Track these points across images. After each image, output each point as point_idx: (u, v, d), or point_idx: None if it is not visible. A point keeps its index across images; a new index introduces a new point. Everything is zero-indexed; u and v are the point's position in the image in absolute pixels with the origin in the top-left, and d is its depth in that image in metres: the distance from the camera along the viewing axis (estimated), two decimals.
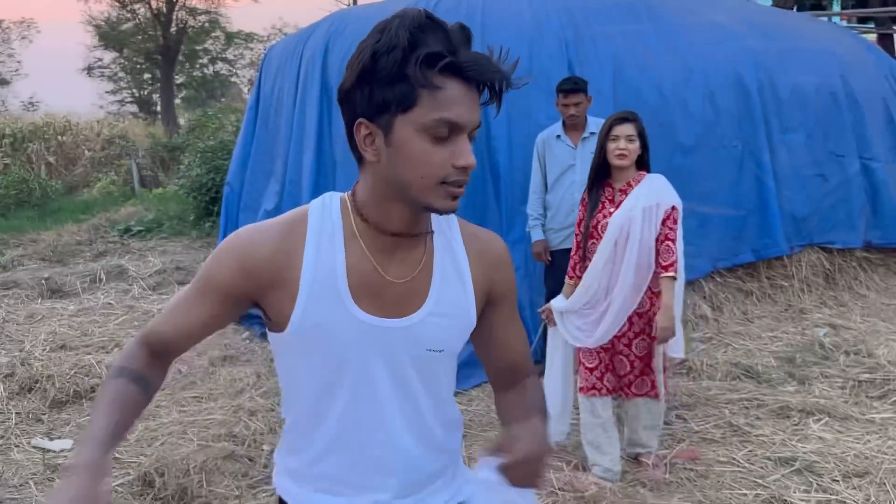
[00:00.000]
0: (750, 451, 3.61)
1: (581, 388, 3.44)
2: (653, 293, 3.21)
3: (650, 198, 3.15)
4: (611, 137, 3.19)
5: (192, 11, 24.83)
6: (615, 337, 3.27)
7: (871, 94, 6.32)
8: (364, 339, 1.22)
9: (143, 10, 24.81)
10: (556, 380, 3.49)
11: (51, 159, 15.90)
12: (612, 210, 3.21)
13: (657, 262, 3.15)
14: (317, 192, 5.98)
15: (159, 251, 8.01)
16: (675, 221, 3.19)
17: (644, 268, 3.15)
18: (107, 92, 31.17)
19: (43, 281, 6.97)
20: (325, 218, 1.24)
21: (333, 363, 1.23)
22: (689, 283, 5.47)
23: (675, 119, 5.41)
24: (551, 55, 5.30)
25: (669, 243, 3.16)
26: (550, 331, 3.55)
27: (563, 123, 4.48)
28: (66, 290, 6.92)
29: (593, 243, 3.28)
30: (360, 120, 1.14)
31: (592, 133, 4.43)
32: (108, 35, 27.22)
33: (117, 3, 24.58)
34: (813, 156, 5.92)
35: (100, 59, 30.04)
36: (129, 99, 31.58)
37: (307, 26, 6.60)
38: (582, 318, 3.30)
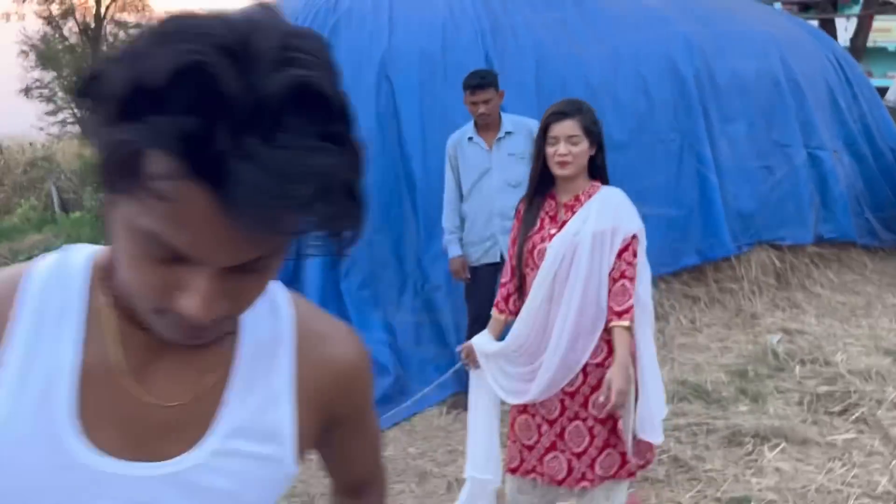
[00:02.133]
0: (699, 490, 3.12)
1: (510, 468, 2.61)
2: (610, 337, 2.38)
3: (603, 219, 2.33)
4: (548, 140, 2.39)
5: (122, 25, 23.88)
6: (565, 393, 2.43)
7: (814, 79, 5.94)
8: (92, 497, 0.72)
9: (70, 26, 23.79)
10: (479, 430, 2.69)
11: None
12: (552, 231, 2.41)
13: (609, 307, 2.35)
14: None
15: None
16: (634, 254, 2.37)
17: (592, 309, 2.35)
18: (46, 113, 30.14)
19: None
20: (57, 287, 0.75)
21: None
22: None
23: (606, 112, 4.92)
24: (466, 47, 4.79)
25: (626, 282, 2.33)
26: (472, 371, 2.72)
27: (475, 124, 3.97)
28: None
29: (530, 271, 2.48)
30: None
31: (509, 132, 3.92)
32: (44, 54, 26.21)
33: (44, 21, 23.51)
34: (756, 147, 5.50)
35: (38, 80, 29.03)
36: (71, 119, 30.52)
37: None
38: (515, 365, 2.49)
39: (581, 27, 5.14)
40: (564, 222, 2.40)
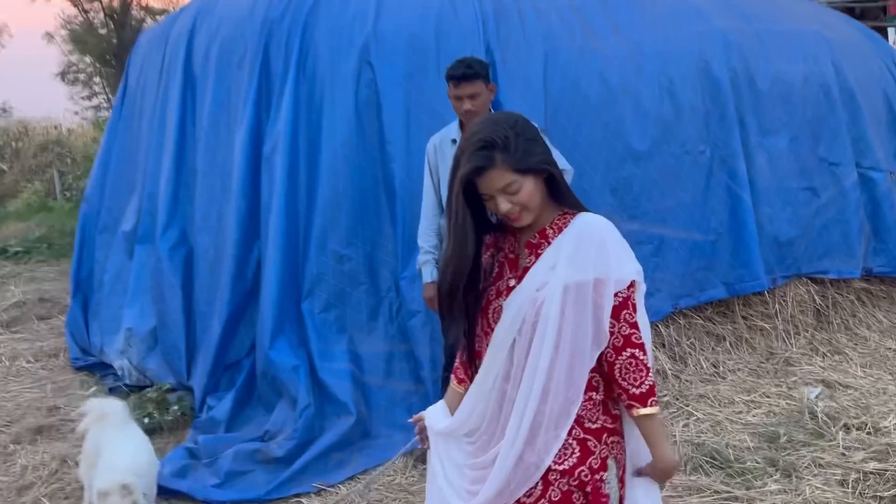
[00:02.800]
0: None
1: None
2: (586, 435, 1.67)
3: (580, 265, 1.63)
4: (480, 195, 1.69)
5: (149, 11, 23.57)
6: None
7: (871, 88, 5.16)
8: None
9: (96, 11, 23.52)
10: None
11: None
12: (511, 283, 1.72)
13: (621, 391, 1.66)
14: (176, 208, 4.75)
15: (27, 277, 6.76)
16: (635, 308, 1.68)
17: (562, 393, 1.64)
18: (82, 97, 30.06)
19: None
20: None
21: None
22: None
23: (625, 117, 4.23)
24: (465, 34, 4.11)
25: (636, 353, 1.64)
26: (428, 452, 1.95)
27: (461, 123, 3.30)
28: None
29: (485, 335, 1.75)
30: None
31: None
32: (80, 38, 26.04)
33: (73, 5, 23.29)
34: (800, 164, 4.74)
35: (75, 64, 28.91)
36: (106, 105, 30.39)
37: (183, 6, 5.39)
38: (465, 454, 1.80)
39: (600, 16, 4.44)
40: (526, 269, 1.69)
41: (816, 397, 3.96)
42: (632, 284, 1.66)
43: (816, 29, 5.09)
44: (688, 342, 4.36)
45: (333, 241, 3.91)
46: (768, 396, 3.98)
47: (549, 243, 1.68)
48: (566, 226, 1.69)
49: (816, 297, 4.78)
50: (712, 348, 4.41)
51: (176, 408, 4.10)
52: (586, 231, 1.66)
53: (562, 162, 3.48)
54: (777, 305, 4.63)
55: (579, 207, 1.74)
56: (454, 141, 3.29)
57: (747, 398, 3.97)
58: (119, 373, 4.67)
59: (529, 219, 1.67)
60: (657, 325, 4.27)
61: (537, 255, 1.69)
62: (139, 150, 5.03)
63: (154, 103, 4.89)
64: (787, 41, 4.85)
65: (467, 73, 3.16)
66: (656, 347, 4.24)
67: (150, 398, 4.13)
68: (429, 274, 3.33)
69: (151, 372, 4.48)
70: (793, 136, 4.71)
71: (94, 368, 4.95)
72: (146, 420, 4.01)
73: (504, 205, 1.63)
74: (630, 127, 4.24)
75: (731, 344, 4.45)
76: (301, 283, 3.92)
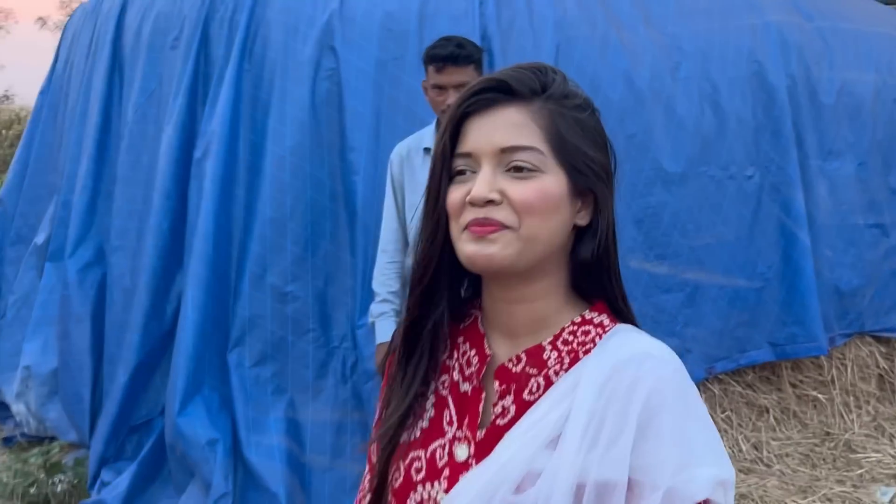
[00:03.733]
0: None
1: None
2: None
3: (610, 446, 0.79)
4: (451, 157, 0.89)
5: None
6: None
7: None
8: None
9: None
10: None
11: None
12: (462, 449, 0.86)
13: None
14: (91, 220, 3.80)
15: None
16: None
17: None
18: None
19: None
20: None
21: None
22: None
23: (655, 129, 3.34)
24: (455, 17, 3.24)
25: None
26: None
27: (438, 125, 2.41)
28: None
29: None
30: None
31: None
32: None
33: None
34: (868, 195, 3.84)
35: None
36: None
37: None
38: None
39: (627, 2, 3.55)
40: (496, 432, 0.84)
41: (891, 502, 3.05)
42: None
43: (889, 32, 4.19)
44: (723, 415, 3.46)
45: (274, 275, 3.03)
46: (829, 500, 3.06)
47: (549, 381, 0.85)
48: (587, 349, 0.86)
49: (882, 361, 3.87)
50: (753, 424, 3.50)
51: (68, 476, 3.22)
52: (630, 373, 0.81)
53: None
54: (834, 370, 3.72)
55: (620, 311, 0.90)
56: (427, 150, 2.41)
57: (802, 498, 3.06)
58: (17, 419, 3.79)
59: (509, 255, 0.82)
60: None
61: (521, 405, 0.85)
62: (60, 146, 4.16)
63: (78, 90, 4.02)
64: (856, 44, 3.94)
65: (457, 53, 2.30)
66: None
67: (35, 462, 3.24)
68: (384, 331, 2.44)
69: (51, 423, 3.60)
70: (861, 160, 3.80)
71: None
72: (31, 490, 3.15)
73: (482, 182, 0.83)
74: (661, 141, 3.35)
75: (776, 419, 3.55)
76: (229, 327, 3.03)
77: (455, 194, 0.84)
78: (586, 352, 0.85)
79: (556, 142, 0.83)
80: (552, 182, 0.82)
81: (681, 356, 3.04)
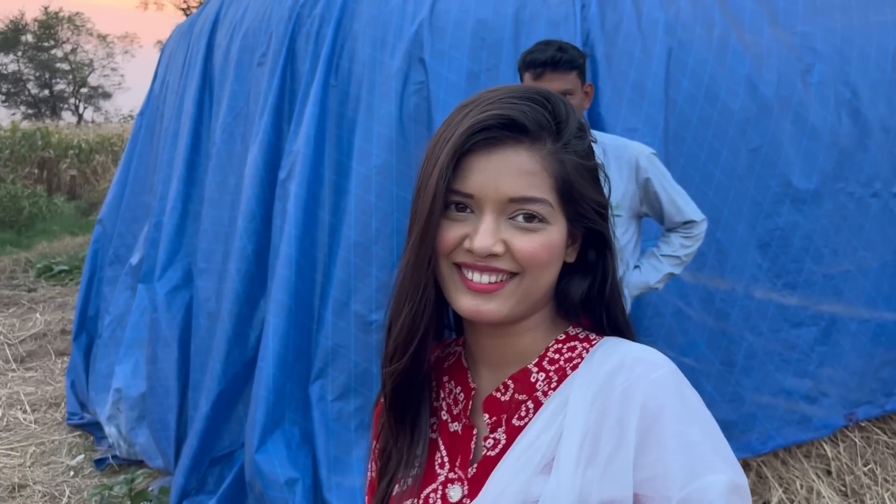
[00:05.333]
0: None
1: None
2: None
3: (609, 460, 0.74)
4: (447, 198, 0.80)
5: None
6: None
7: None
8: None
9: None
10: None
11: (73, 173, 14.64)
12: (455, 490, 0.82)
13: None
14: (180, 242, 3.77)
15: (58, 303, 6.06)
16: None
17: None
18: None
19: None
20: None
21: None
22: (803, 446, 2.98)
23: (783, 141, 2.95)
24: (554, 21, 2.97)
25: None
26: None
27: None
28: None
29: None
30: None
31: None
32: None
33: (184, 14, 23.62)
34: None
35: None
36: None
37: None
38: None
39: (748, 0, 3.17)
40: (489, 463, 0.80)
41: None
42: None
43: None
44: (866, 469, 3.00)
45: (359, 302, 2.84)
46: None
47: (538, 404, 0.82)
48: (574, 364, 0.82)
49: None
50: None
51: None
52: (620, 381, 0.77)
53: (687, 207, 2.28)
54: None
55: (607, 324, 0.87)
56: None
57: None
58: (109, 440, 3.78)
59: (506, 309, 0.79)
60: (822, 444, 2.95)
61: (511, 432, 0.81)
62: (155, 167, 4.15)
63: (172, 111, 4.00)
64: None
65: (558, 58, 2.05)
66: (819, 475, 2.92)
67: (120, 490, 3.18)
68: None
69: (140, 447, 3.55)
70: None
71: (91, 428, 4.09)
72: None
73: (486, 233, 0.77)
74: (790, 155, 2.95)
75: None
76: (311, 357, 2.86)
77: (451, 233, 0.78)
78: (574, 367, 0.81)
79: (564, 191, 0.79)
80: (556, 233, 0.79)
81: (815, 400, 2.55)
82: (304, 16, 3.20)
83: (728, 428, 2.55)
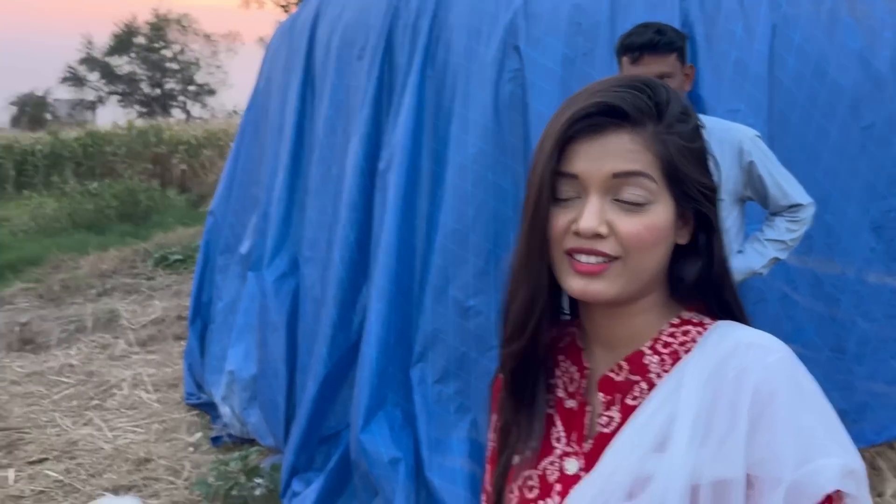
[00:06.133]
0: None
1: None
2: None
3: (722, 440, 0.75)
4: (558, 189, 0.82)
5: None
6: None
7: None
8: None
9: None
10: None
11: (183, 167, 15.44)
12: (572, 462, 0.85)
13: None
14: (287, 231, 3.96)
15: (174, 290, 6.44)
16: None
17: None
18: None
19: (17, 328, 5.60)
20: None
21: None
22: None
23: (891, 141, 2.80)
24: (652, 3, 2.94)
25: None
26: None
27: None
28: (38, 342, 5.50)
29: None
30: None
31: None
32: None
33: (284, 12, 24.33)
34: None
35: None
36: None
37: None
38: None
39: None
40: (603, 440, 0.84)
41: None
42: (830, 501, 0.73)
43: None
44: None
45: (456, 288, 2.90)
46: None
47: (651, 385, 0.84)
48: (687, 348, 0.84)
49: None
50: None
51: (265, 480, 3.32)
52: (734, 365, 0.79)
53: (793, 190, 2.22)
54: None
55: (720, 308, 0.88)
56: None
57: None
58: (224, 420, 4.01)
59: (615, 290, 0.82)
60: None
61: (625, 411, 0.84)
62: (262, 160, 4.35)
63: (276, 106, 4.17)
64: None
65: (656, 40, 2.04)
66: None
67: (236, 465, 3.38)
68: None
69: (252, 427, 3.76)
70: None
71: (207, 408, 4.35)
72: (233, 492, 3.28)
73: (591, 214, 0.80)
74: None
75: None
76: (412, 342, 2.95)
77: (559, 220, 0.82)
78: (687, 351, 0.83)
79: (669, 170, 0.81)
80: (661, 213, 0.81)
81: None
82: (401, 8, 3.28)
83: (838, 417, 2.47)
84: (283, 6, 23.11)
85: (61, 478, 3.54)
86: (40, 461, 3.74)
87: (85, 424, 4.23)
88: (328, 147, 3.55)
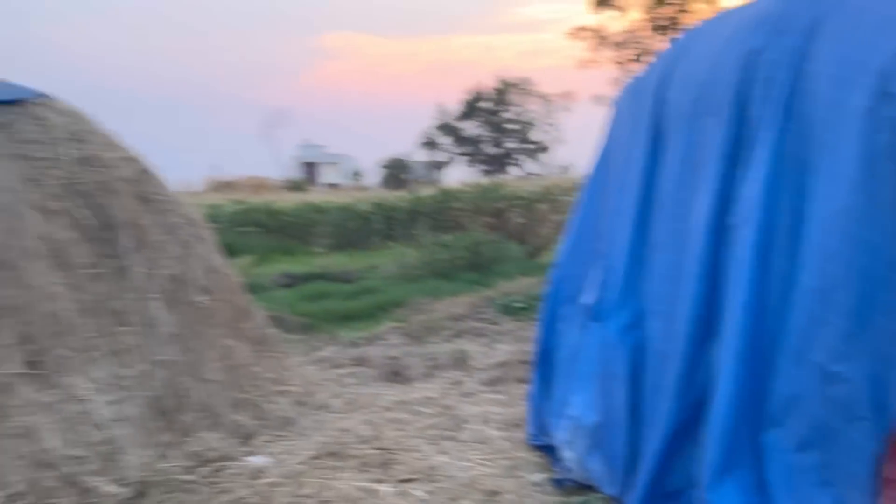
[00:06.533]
0: None
1: None
2: None
3: None
4: None
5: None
6: None
7: None
8: None
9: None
10: None
11: (520, 220, 16.43)
12: None
13: None
14: (631, 285, 4.05)
15: (517, 336, 6.87)
16: None
17: None
18: None
19: (388, 361, 6.47)
20: None
21: None
22: None
23: None
24: None
25: None
26: None
27: None
28: (404, 374, 6.28)
29: None
30: None
31: None
32: None
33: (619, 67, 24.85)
34: None
35: None
36: None
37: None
38: None
39: None
40: None
41: None
42: None
43: None
44: None
45: (819, 352, 2.72)
46: None
47: None
48: None
49: None
50: None
51: None
52: None
53: None
54: None
55: None
56: None
57: None
58: (566, 464, 4.19)
59: None
60: None
61: None
62: (604, 215, 4.53)
63: (620, 162, 4.33)
64: None
65: None
66: None
67: None
68: None
69: (594, 473, 3.87)
70: None
71: (549, 450, 4.57)
72: None
73: None
74: None
75: None
76: (765, 405, 2.82)
77: None
78: None
79: None
80: None
81: None
82: (755, 61, 3.23)
83: None
84: (619, 63, 23.68)
85: (427, 497, 3.99)
86: (408, 480, 4.26)
87: (442, 453, 4.71)
88: (676, 203, 3.59)
